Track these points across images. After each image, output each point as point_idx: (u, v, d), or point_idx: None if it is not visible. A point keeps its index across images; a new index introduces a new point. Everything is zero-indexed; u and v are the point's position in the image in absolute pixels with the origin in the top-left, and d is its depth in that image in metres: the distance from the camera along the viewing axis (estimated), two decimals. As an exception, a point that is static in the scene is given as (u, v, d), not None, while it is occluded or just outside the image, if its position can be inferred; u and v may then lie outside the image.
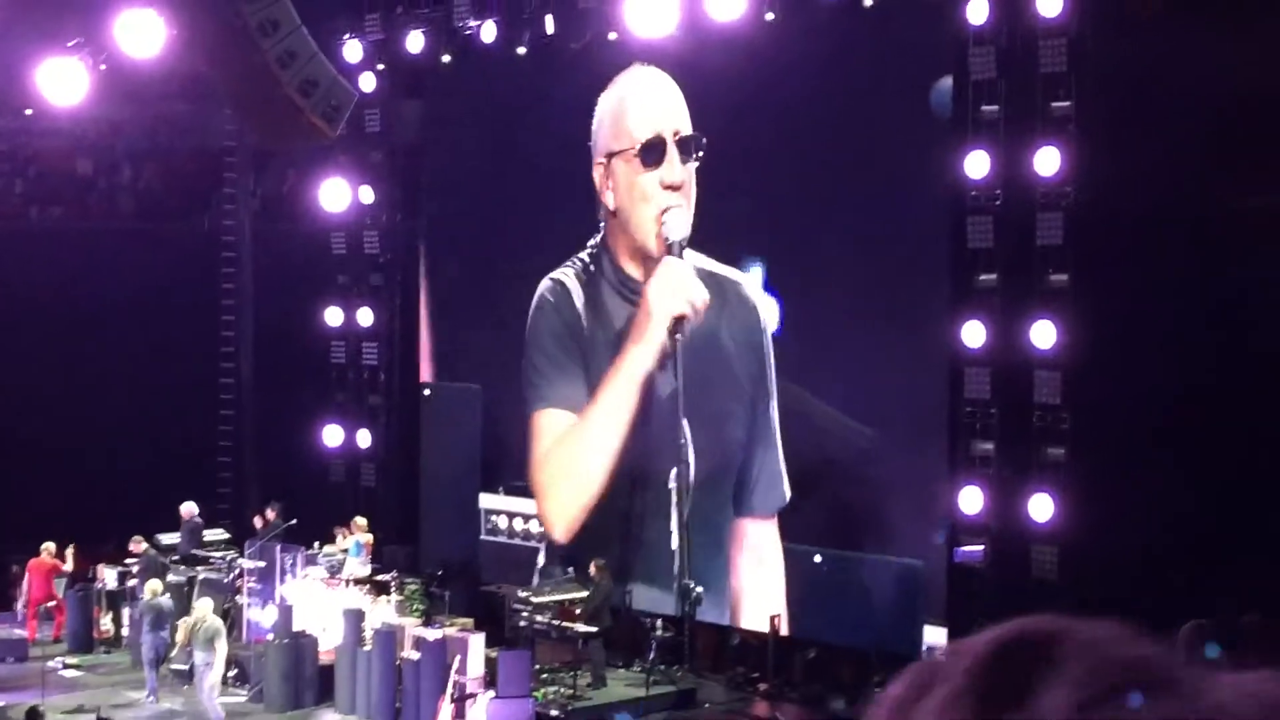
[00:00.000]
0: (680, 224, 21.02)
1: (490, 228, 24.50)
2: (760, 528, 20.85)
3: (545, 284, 22.70)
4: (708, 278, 21.01)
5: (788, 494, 20.58)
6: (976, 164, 18.35)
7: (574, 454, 21.97)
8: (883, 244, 19.87)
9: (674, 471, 21.15)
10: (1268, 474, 16.67)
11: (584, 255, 22.30)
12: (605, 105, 21.91)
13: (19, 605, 23.32)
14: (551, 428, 22.32)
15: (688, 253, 20.97)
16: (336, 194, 25.81)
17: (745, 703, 19.84)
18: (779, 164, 20.95)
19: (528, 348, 22.82)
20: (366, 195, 25.91)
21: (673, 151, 21.18)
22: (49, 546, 22.51)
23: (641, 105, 21.64)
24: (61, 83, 20.53)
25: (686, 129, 21.22)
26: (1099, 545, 17.40)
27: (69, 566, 22.66)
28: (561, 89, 22.97)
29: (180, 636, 19.44)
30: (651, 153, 21.29)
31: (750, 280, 21.02)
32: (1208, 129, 17.13)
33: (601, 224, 22.06)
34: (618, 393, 21.30)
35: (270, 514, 23.14)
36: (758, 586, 20.71)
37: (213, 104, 25.53)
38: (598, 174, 21.87)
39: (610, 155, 21.70)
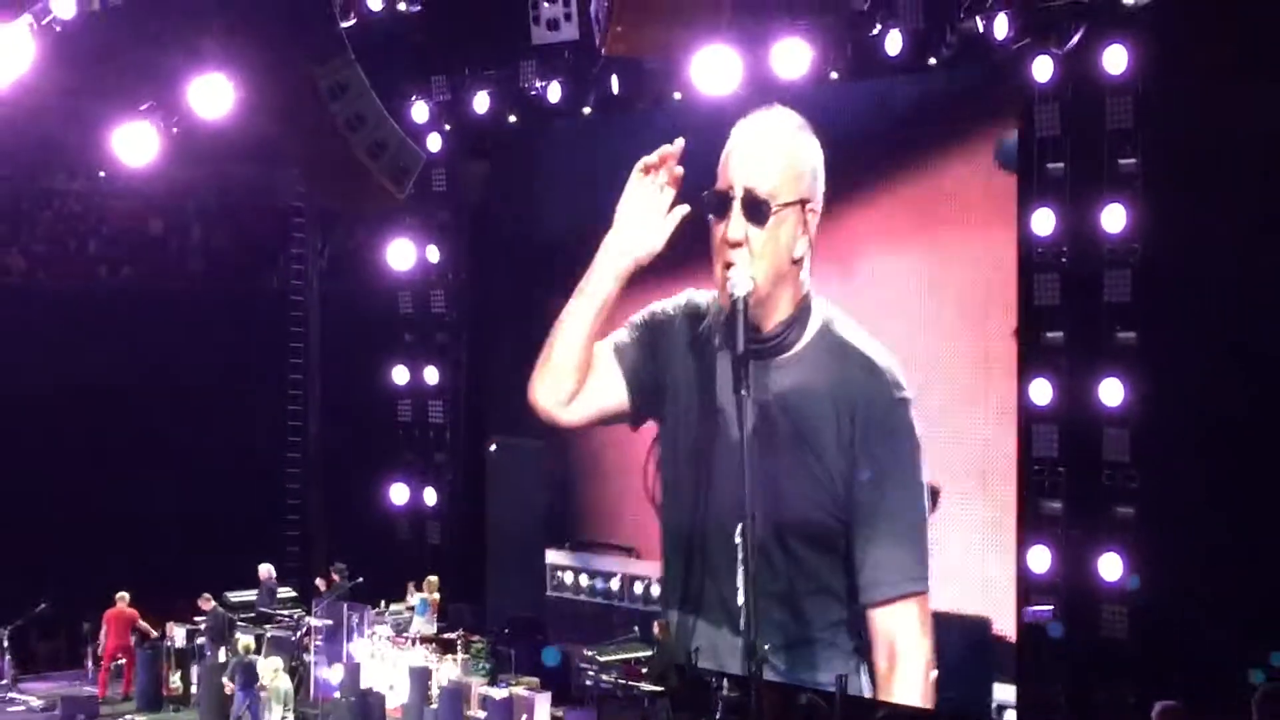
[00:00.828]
0: (742, 281, 20.84)
1: (554, 287, 24.54)
2: (885, 614, 19.72)
3: (646, 312, 22.45)
4: (840, 348, 20.33)
5: (903, 584, 19.49)
6: (1043, 221, 18.30)
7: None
8: (951, 298, 19.79)
9: (739, 526, 21.04)
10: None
11: (713, 293, 21.82)
12: (726, 144, 21.15)
13: (90, 662, 23.52)
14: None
15: (837, 315, 20.44)
16: (403, 253, 26.02)
17: (812, 763, 19.69)
18: (844, 219, 20.80)
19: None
20: (433, 254, 26.10)
21: (736, 208, 20.99)
22: (124, 595, 22.72)
23: (733, 154, 20.97)
24: (134, 145, 20.82)
25: (764, 190, 20.57)
26: (1169, 604, 17.23)
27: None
28: (627, 148, 23.02)
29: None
30: (717, 205, 21.09)
31: (887, 355, 20.00)
32: (1273, 189, 17.01)
33: None
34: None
35: (335, 576, 23.23)
36: (890, 677, 19.70)
37: (281, 165, 25.82)
38: None
39: (706, 193, 21.47)
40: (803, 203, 20.62)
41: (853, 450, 20.10)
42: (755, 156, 21.00)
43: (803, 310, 20.74)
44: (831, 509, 20.27)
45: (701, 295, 21.98)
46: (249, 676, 19.67)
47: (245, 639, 20.48)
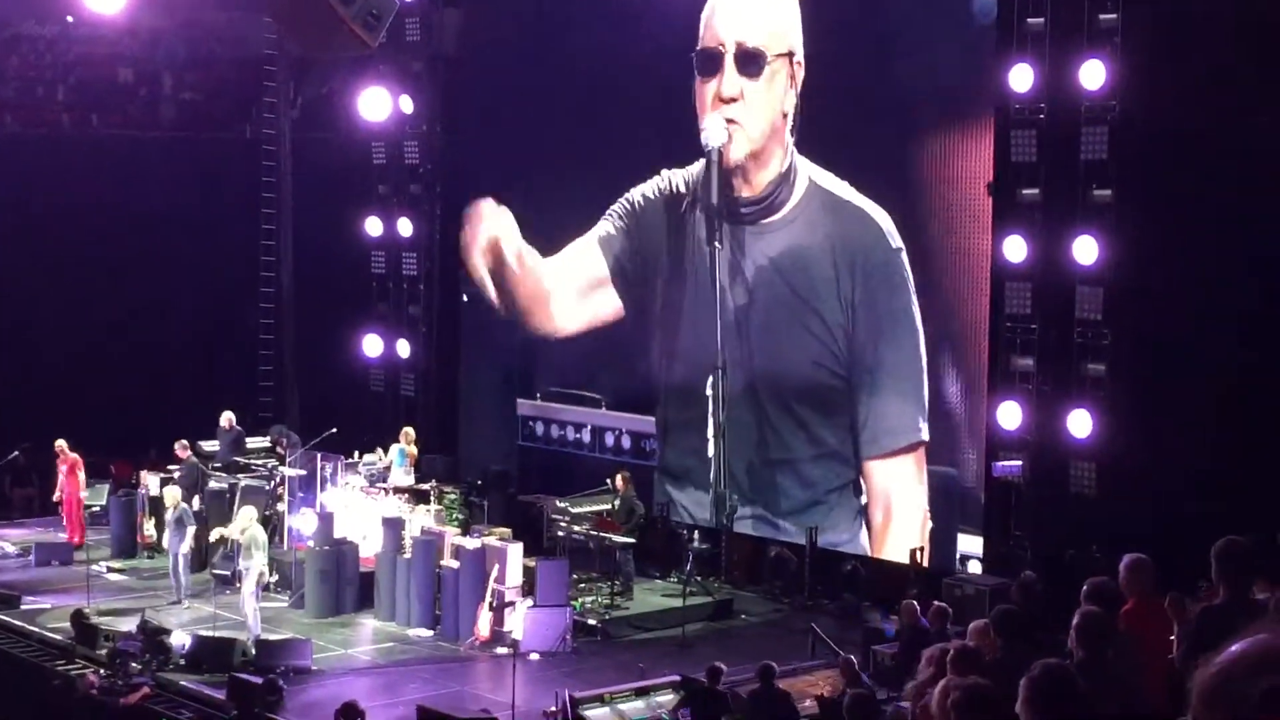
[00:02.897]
0: (717, 133, 20.82)
1: (529, 137, 24.42)
2: (883, 467, 19.92)
3: (625, 201, 22.60)
4: (831, 202, 20.39)
5: (904, 435, 19.63)
6: (1021, 77, 18.17)
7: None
8: (925, 152, 19.69)
9: (709, 379, 21.17)
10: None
11: (693, 168, 21.83)
12: (708, 2, 21.31)
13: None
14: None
15: (818, 171, 20.47)
16: (377, 103, 25.78)
17: (781, 614, 19.94)
18: (817, 71, 20.62)
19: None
20: (406, 105, 25.86)
21: (729, 64, 20.85)
22: (60, 443, 22.60)
23: (717, 10, 21.07)
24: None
25: (756, 42, 20.70)
26: (1137, 461, 17.37)
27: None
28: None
29: (215, 537, 19.92)
30: (707, 62, 20.99)
31: (879, 211, 19.95)
32: (1253, 42, 16.90)
33: None
34: None
35: (282, 440, 23.16)
36: (888, 528, 19.92)
37: (252, 13, 25.49)
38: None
39: (693, 56, 21.40)
40: (789, 55, 20.53)
41: (855, 305, 20.13)
42: (743, 9, 20.87)
43: (790, 168, 20.70)
44: (835, 366, 20.36)
45: (678, 173, 21.92)
46: (179, 524, 19.78)
47: (172, 491, 20.38)
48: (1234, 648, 2.15)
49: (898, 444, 19.74)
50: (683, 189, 21.86)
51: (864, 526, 20.07)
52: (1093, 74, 17.54)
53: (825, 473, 20.54)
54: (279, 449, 23.05)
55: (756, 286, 20.98)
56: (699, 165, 21.51)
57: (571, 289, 23.13)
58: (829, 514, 20.43)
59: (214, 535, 20.36)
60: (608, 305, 22.76)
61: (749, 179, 20.99)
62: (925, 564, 19.11)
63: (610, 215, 22.61)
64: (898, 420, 19.73)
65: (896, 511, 19.82)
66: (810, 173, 20.58)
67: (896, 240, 19.74)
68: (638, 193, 22.39)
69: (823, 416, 20.52)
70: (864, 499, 20.03)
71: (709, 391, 21.21)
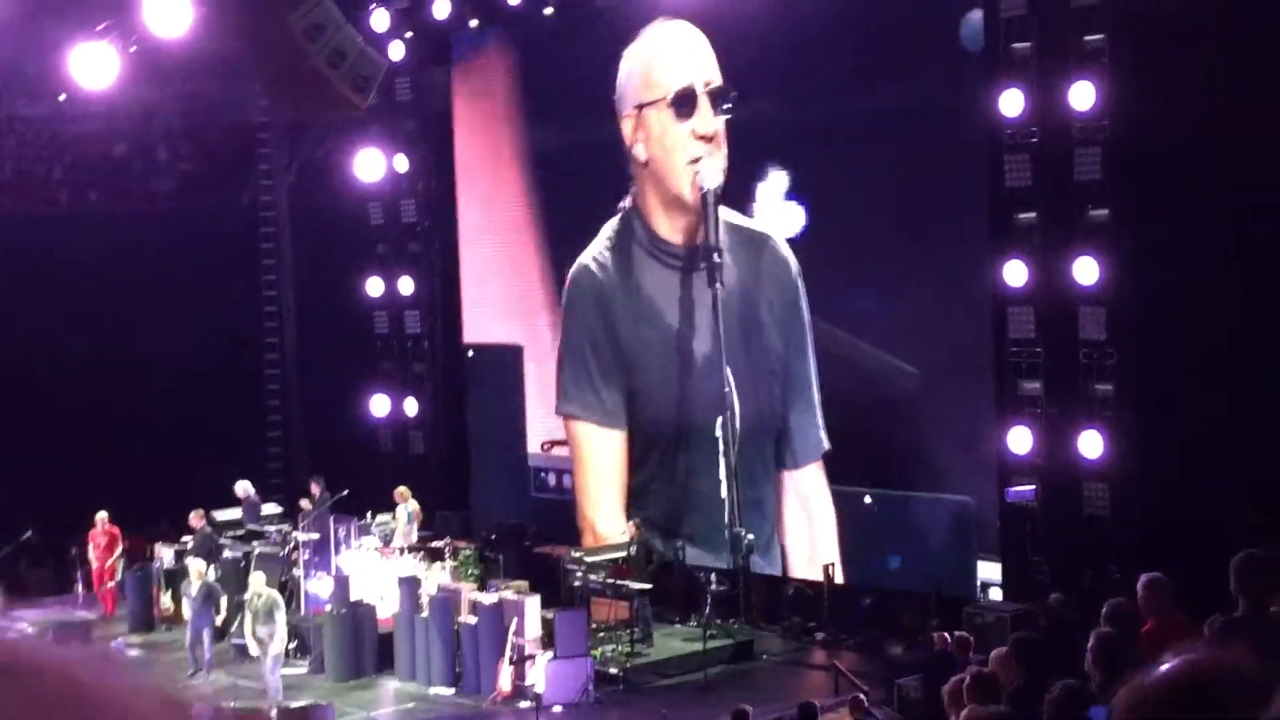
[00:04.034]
0: (714, 172, 21.14)
1: (523, 188, 24.48)
2: (802, 476, 20.85)
3: (574, 270, 22.91)
4: (743, 236, 21.00)
5: (825, 442, 20.58)
6: (1011, 102, 18.21)
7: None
8: (918, 180, 19.73)
9: (719, 420, 21.24)
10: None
11: (613, 224, 22.41)
12: (634, 58, 21.93)
13: (80, 586, 23.54)
14: (586, 438, 23.09)
15: (721, 209, 21.07)
16: (371, 164, 25.85)
17: (802, 652, 19.86)
18: (807, 100, 20.76)
19: (561, 336, 23.14)
20: (401, 164, 25.94)
21: (704, 102, 21.25)
22: (103, 515, 22.74)
23: (672, 56, 21.62)
24: (93, 67, 20.54)
25: (717, 80, 21.22)
26: (1150, 480, 17.33)
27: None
28: (590, 49, 22.94)
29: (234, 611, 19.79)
30: (684, 103, 21.37)
31: (781, 234, 20.88)
32: (1241, 58, 16.93)
33: (631, 186, 22.12)
34: None
35: (315, 489, 23.23)
36: (807, 536, 20.73)
37: (244, 80, 25.55)
38: (627, 126, 21.93)
39: (640, 106, 21.74)
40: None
41: (785, 331, 20.90)
42: (698, 54, 21.42)
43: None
44: (777, 390, 21.07)
45: (585, 258, 22.77)
46: (209, 597, 19.75)
47: (196, 564, 20.36)
48: (1160, 670, 2.00)
49: (818, 454, 20.63)
50: (607, 251, 22.36)
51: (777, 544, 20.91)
52: (1083, 95, 17.58)
53: (768, 487, 21.19)
54: (311, 497, 23.05)
55: (712, 324, 21.44)
56: (613, 224, 22.37)
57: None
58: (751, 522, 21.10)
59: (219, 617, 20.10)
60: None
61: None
62: (839, 579, 20.05)
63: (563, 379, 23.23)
64: (814, 432, 20.60)
65: (817, 521, 20.58)
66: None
67: (794, 258, 20.65)
68: (581, 275, 22.82)
69: (769, 438, 21.16)
70: (784, 511, 20.93)
71: (718, 433, 21.27)
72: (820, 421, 20.58)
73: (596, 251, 22.71)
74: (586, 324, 23.03)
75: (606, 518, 22.80)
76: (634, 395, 22.67)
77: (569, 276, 23.14)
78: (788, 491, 20.95)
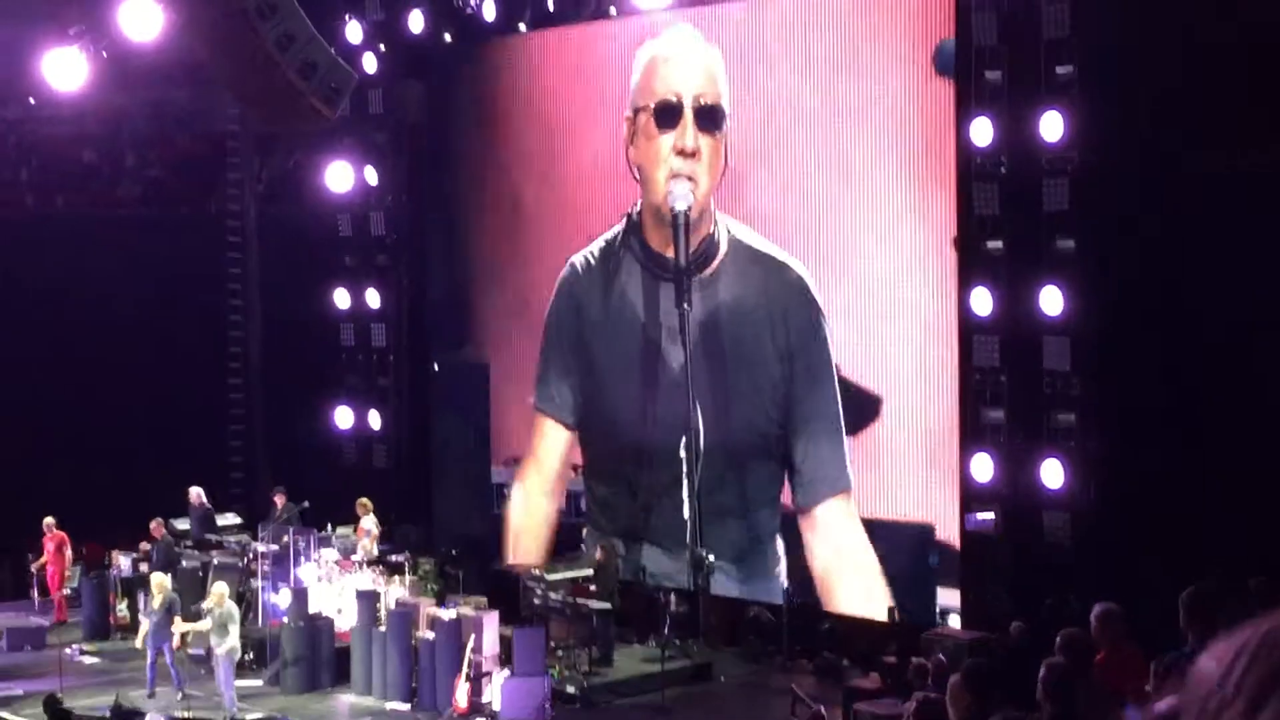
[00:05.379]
0: (684, 195, 20.94)
1: (493, 205, 24.46)
2: (820, 510, 20.13)
3: (565, 269, 22.72)
4: (753, 256, 20.70)
5: (848, 476, 19.88)
6: (981, 131, 18.27)
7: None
8: (887, 206, 19.77)
9: (683, 440, 21.16)
10: (1277, 436, 16.61)
11: (617, 227, 22.10)
12: (641, 59, 21.60)
13: (35, 592, 23.39)
14: (541, 431, 23.01)
15: (735, 224, 20.78)
16: (341, 176, 25.77)
17: (760, 675, 19.83)
18: (779, 125, 20.75)
19: (544, 333, 23.02)
20: (371, 176, 25.87)
21: (689, 117, 20.97)
22: (49, 521, 22.57)
23: (667, 64, 21.27)
24: (64, 71, 20.44)
25: (712, 97, 20.90)
26: (1111, 511, 17.37)
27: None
28: (564, 66, 22.93)
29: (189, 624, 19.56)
30: (665, 115, 21.11)
31: (799, 264, 20.36)
32: (1210, 88, 17.02)
33: (639, 199, 21.88)
34: None
35: (279, 500, 23.14)
36: (842, 570, 20.02)
37: (215, 88, 25.45)
38: (626, 126, 21.72)
39: (636, 110, 21.54)
40: (727, 114, 20.88)
41: (791, 356, 20.39)
42: (695, 67, 21.04)
43: (715, 222, 20.97)
44: (774, 416, 20.59)
45: (577, 257, 22.53)
46: (170, 610, 19.58)
47: (159, 578, 20.16)
48: (1156, 707, 2.01)
49: (835, 489, 20.00)
50: (597, 252, 22.15)
51: (785, 575, 20.43)
52: (1052, 125, 17.65)
53: (767, 519, 20.75)
54: (278, 499, 22.95)
55: (695, 343, 21.18)
56: (617, 228, 22.07)
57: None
58: (765, 561, 20.71)
59: (178, 630, 19.81)
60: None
61: (693, 235, 21.22)
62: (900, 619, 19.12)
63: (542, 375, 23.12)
64: (836, 465, 20.00)
65: (847, 556, 19.93)
66: (728, 225, 20.84)
67: (814, 291, 20.19)
68: (566, 271, 22.73)
69: (764, 463, 20.81)
70: (811, 546, 20.24)
71: (682, 453, 21.20)
72: (844, 455, 19.87)
73: (589, 251, 22.48)
74: (558, 319, 22.86)
75: (520, 499, 23.40)
76: (590, 398, 22.56)
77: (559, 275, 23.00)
78: (804, 525, 20.31)
